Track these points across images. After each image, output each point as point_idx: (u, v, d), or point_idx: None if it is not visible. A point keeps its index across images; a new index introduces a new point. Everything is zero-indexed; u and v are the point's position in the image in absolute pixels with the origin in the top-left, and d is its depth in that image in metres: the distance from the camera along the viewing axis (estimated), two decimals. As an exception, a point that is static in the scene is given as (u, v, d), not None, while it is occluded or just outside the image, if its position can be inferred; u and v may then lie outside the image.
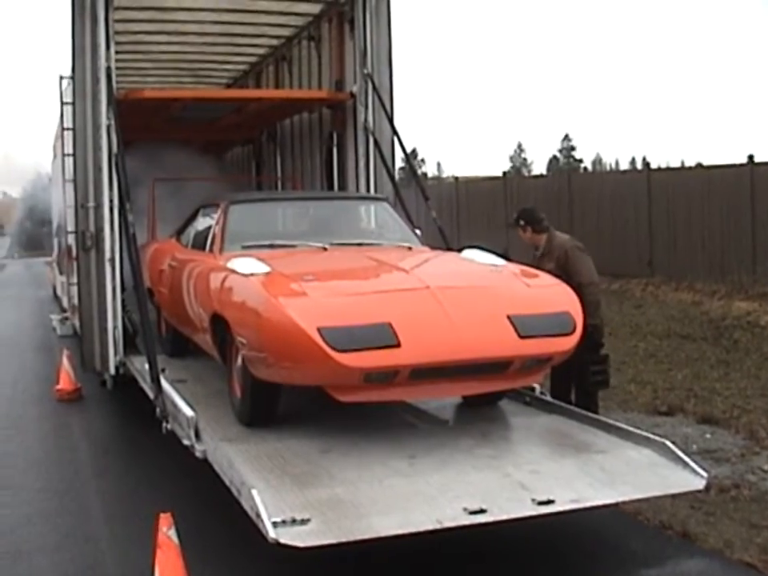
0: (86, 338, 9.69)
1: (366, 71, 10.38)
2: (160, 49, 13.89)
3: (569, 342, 6.17)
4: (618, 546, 6.17)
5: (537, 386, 7.16)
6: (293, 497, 5.09)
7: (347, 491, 5.20)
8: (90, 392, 11.18)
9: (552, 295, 6.54)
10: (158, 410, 6.92)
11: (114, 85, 9.46)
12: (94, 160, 9.46)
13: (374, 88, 10.31)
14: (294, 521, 4.69)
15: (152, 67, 15.10)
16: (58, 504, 7.31)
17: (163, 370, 8.37)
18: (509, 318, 6.00)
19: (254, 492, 4.87)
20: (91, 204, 9.51)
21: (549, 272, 6.99)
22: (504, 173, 25.39)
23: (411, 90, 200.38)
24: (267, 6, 11.71)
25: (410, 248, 8.02)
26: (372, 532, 4.70)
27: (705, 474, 5.56)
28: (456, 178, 30.04)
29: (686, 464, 5.62)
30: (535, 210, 8.20)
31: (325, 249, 7.59)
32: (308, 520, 4.73)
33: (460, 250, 7.88)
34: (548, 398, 7.13)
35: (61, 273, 18.33)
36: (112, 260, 9.43)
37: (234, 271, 6.73)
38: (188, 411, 6.31)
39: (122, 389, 9.74)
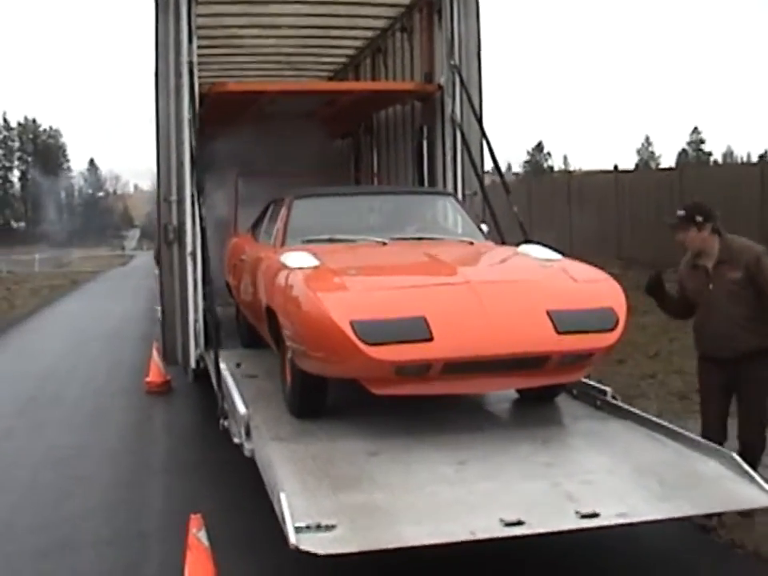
0: (168, 332, 9.77)
1: (453, 63, 10.16)
2: (257, 42, 13.83)
3: (609, 339, 5.98)
4: (679, 561, 5.83)
5: (608, 389, 6.89)
6: (326, 501, 4.97)
7: (385, 497, 5.05)
8: (180, 384, 11.27)
9: (597, 290, 6.34)
10: (218, 406, 6.90)
11: (197, 80, 9.49)
12: (176, 154, 9.50)
13: (461, 80, 10.08)
14: (318, 526, 4.55)
15: (251, 61, 15.09)
16: (122, 497, 7.37)
17: (238, 365, 8.46)
18: (548, 312, 5.87)
19: (282, 495, 4.76)
20: (174, 198, 9.56)
21: (734, 283, 6.26)
22: (615, 166, 24.75)
23: (537, 82, 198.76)
24: (358, -3, 11.60)
25: (471, 243, 7.96)
26: (399, 541, 4.52)
27: None
28: (569, 172, 29.58)
29: (752, 479, 5.26)
30: (708, 205, 6.68)
31: (384, 244, 7.60)
32: (333, 526, 4.58)
33: (518, 245, 7.70)
34: (619, 402, 6.81)
35: (157, 265, 18.68)
36: (193, 253, 9.43)
37: (284, 264, 6.80)
38: (241, 409, 6.23)
39: (209, 382, 9.80)
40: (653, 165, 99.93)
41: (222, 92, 10.36)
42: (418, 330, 5.63)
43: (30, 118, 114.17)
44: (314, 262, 6.66)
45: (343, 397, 6.54)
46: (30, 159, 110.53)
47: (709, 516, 5.87)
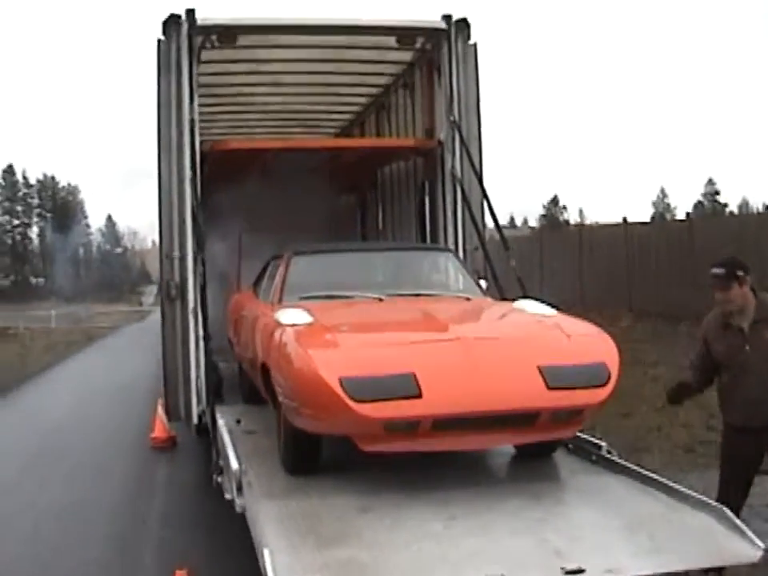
0: (170, 387, 9.79)
1: (452, 118, 10.26)
2: (264, 100, 14.01)
3: (601, 394, 5.95)
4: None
5: (603, 444, 6.86)
6: (311, 558, 4.94)
7: (370, 554, 5.02)
8: (185, 440, 11.29)
9: (589, 345, 6.33)
10: (212, 462, 6.93)
11: (197, 137, 9.61)
12: (178, 211, 9.59)
13: (461, 135, 10.16)
14: None
15: (259, 118, 15.27)
16: (117, 551, 7.38)
17: (238, 421, 8.47)
18: (539, 368, 5.85)
19: (266, 551, 4.76)
20: (176, 254, 9.63)
21: None
22: (624, 219, 24.79)
23: (553, 137, 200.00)
24: (360, 55, 11.71)
25: (468, 299, 8.00)
26: None
27: (762, 546, 5.12)
28: (581, 225, 29.72)
29: (743, 533, 5.20)
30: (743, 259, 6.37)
31: (381, 300, 7.61)
32: None
33: (514, 300, 7.74)
34: (614, 457, 6.77)
35: None
36: (195, 310, 9.48)
37: (278, 321, 6.83)
38: (234, 464, 6.24)
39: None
40: (668, 217, 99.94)
41: (224, 150, 10.48)
42: (407, 387, 5.62)
43: (49, 175, 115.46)
44: (308, 319, 6.68)
45: (338, 452, 6.51)
46: (48, 216, 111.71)
47: (706, 571, 5.83)
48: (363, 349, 6.14)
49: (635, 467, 6.54)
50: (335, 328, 6.44)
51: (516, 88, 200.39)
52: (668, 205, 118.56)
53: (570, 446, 7.12)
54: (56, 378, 22.30)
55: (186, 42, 9.56)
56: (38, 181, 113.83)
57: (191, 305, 9.46)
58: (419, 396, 5.59)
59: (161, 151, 9.67)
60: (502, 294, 8.93)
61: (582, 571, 4.73)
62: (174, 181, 9.62)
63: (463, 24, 10.23)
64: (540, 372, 5.84)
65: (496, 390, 5.75)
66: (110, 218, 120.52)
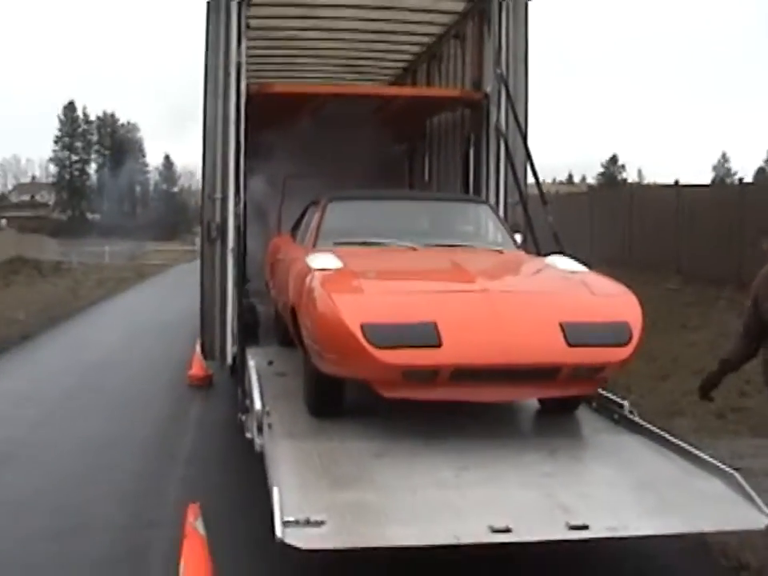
0: (207, 328, 9.92)
1: (499, 71, 10.18)
2: (317, 45, 13.95)
3: (622, 353, 5.98)
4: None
5: (625, 403, 6.86)
6: (320, 498, 5.05)
7: (378, 497, 5.13)
8: (221, 379, 11.44)
9: (613, 304, 6.34)
10: (239, 401, 7.05)
11: (244, 80, 9.63)
12: (222, 153, 9.65)
13: (507, 89, 10.08)
14: (307, 521, 4.64)
15: (313, 63, 15.21)
16: (141, 486, 7.54)
17: (270, 363, 8.58)
18: (561, 324, 5.87)
19: (275, 490, 4.87)
20: (218, 196, 9.71)
21: None
22: (676, 181, 24.49)
23: (613, 94, 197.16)
24: (412, 3, 11.65)
25: (500, 252, 8.01)
26: (384, 540, 4.61)
27: None
28: (632, 186, 29.30)
29: (752, 500, 5.20)
30: None
31: (414, 249, 7.62)
32: (322, 522, 4.66)
33: (547, 255, 7.73)
34: (635, 417, 6.77)
35: None
36: (234, 251, 9.57)
37: (308, 266, 6.90)
38: (257, 405, 6.35)
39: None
40: (728, 182, 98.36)
41: (270, 93, 10.49)
42: (428, 336, 5.68)
43: (109, 112, 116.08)
44: (337, 264, 6.76)
45: (363, 397, 6.58)
46: (106, 153, 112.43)
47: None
48: (388, 296, 6.20)
49: (654, 429, 6.54)
50: (362, 274, 6.49)
51: (587, 42, 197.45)
52: (728, 169, 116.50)
53: (594, 404, 7.14)
54: (105, 312, 22.68)
55: None
56: (98, 117, 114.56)
57: (231, 245, 9.55)
58: (439, 345, 5.65)
59: (207, 92, 9.72)
60: (538, 248, 8.91)
61: (585, 527, 4.77)
62: (218, 122, 9.67)
63: None
64: (561, 328, 5.86)
65: (516, 344, 5.78)
66: (167, 157, 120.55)
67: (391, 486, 5.30)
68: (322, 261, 6.86)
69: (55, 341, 17.10)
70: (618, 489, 5.43)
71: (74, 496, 7.31)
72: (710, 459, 5.79)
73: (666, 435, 6.38)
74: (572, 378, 5.99)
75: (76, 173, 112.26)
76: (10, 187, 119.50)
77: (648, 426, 6.62)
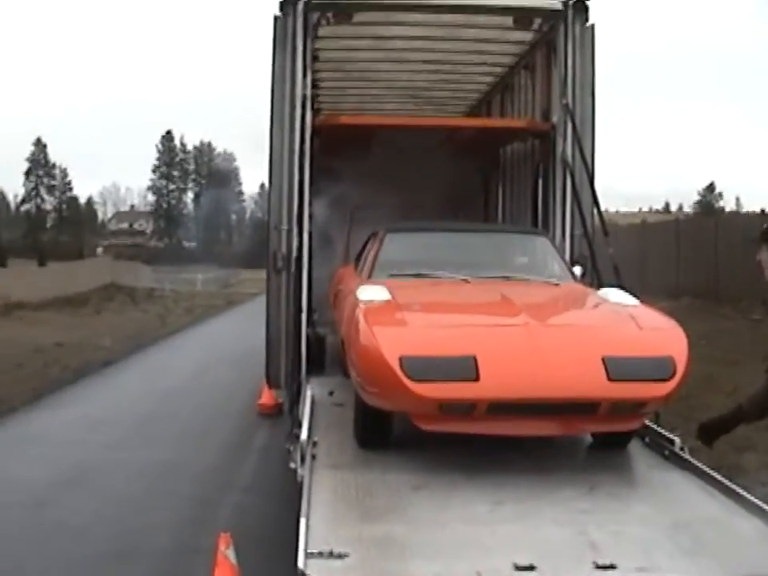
0: (272, 357, 10.02)
1: (564, 101, 10.14)
2: (390, 76, 14.03)
3: (665, 388, 5.87)
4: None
5: (677, 439, 6.72)
6: (348, 530, 5.03)
7: (407, 531, 5.09)
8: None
9: (659, 339, 6.24)
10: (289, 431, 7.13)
11: (309, 112, 9.76)
12: (288, 185, 9.79)
13: (572, 119, 10.03)
14: (331, 554, 4.65)
15: (388, 94, 15.24)
16: (194, 514, 7.64)
17: (331, 393, 8.63)
18: (603, 359, 5.79)
19: (302, 521, 4.89)
20: (284, 227, 9.84)
21: None
22: (762, 210, 23.91)
23: (715, 118, 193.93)
24: (481, 35, 11.66)
25: (556, 284, 7.92)
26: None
27: None
28: (717, 215, 28.78)
29: None
30: None
31: (467, 281, 7.59)
32: (345, 555, 4.66)
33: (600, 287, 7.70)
34: (686, 454, 6.64)
35: None
36: (297, 280, 9.67)
37: (357, 297, 6.95)
38: (303, 435, 6.41)
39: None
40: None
41: (335, 125, 10.62)
42: (465, 370, 5.66)
43: (206, 141, 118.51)
44: (385, 296, 6.79)
45: (410, 429, 6.58)
46: (203, 181, 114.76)
47: None
48: (429, 329, 6.21)
49: (702, 466, 6.39)
50: (407, 307, 6.51)
51: (693, 66, 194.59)
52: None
53: (647, 439, 7.03)
54: (188, 339, 23.20)
55: (301, 19, 9.72)
56: (195, 147, 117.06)
57: (295, 275, 9.66)
58: (476, 379, 5.63)
59: (273, 125, 9.87)
60: (600, 281, 8.83)
61: (613, 567, 4.67)
62: (284, 154, 9.81)
63: (580, 5, 10.06)
64: (603, 362, 5.78)
65: (555, 377, 5.72)
66: (263, 185, 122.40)
67: (422, 520, 5.27)
68: (370, 293, 6.91)
69: (136, 367, 17.50)
70: (654, 528, 5.28)
71: (129, 522, 7.46)
72: (753, 499, 5.64)
73: (713, 473, 6.22)
74: (613, 413, 5.92)
75: (173, 201, 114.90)
76: (109, 215, 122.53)
77: (696, 462, 6.48)
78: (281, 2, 9.74)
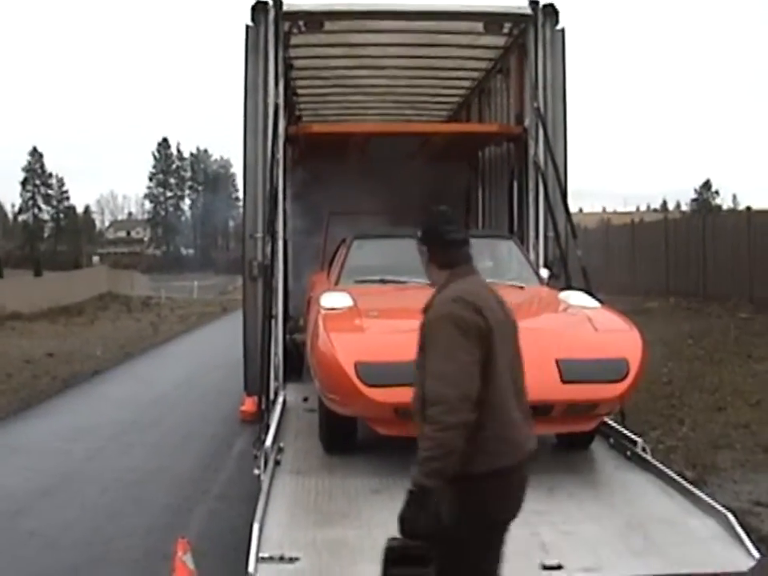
0: (250, 363, 10.12)
1: (535, 105, 10.24)
2: (368, 82, 14.15)
3: (617, 389, 6.00)
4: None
5: (639, 440, 6.80)
6: (302, 535, 5.13)
7: (359, 534, 5.18)
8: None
9: (614, 341, 6.36)
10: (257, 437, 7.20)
11: (282, 121, 9.83)
12: (262, 192, 9.87)
13: (543, 123, 10.12)
14: (281, 558, 4.73)
15: (367, 100, 15.38)
16: (166, 521, 7.69)
17: (305, 399, 8.72)
18: (557, 361, 5.91)
19: (255, 526, 4.98)
20: (259, 235, 9.92)
21: None
22: (747, 207, 24.08)
23: (705, 117, 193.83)
24: (454, 40, 11.79)
25: (521, 287, 8.00)
26: None
27: (757, 556, 4.98)
28: (703, 214, 28.87)
29: (742, 541, 5.10)
30: None
31: (432, 286, 7.61)
32: (296, 559, 4.75)
33: (562, 290, 7.80)
34: (647, 455, 6.70)
35: None
36: (275, 288, 9.74)
37: (320, 304, 7.08)
38: (268, 441, 6.49)
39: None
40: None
41: (307, 133, 10.70)
42: None
43: (202, 148, 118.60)
44: (347, 303, 6.91)
45: (375, 433, 6.64)
46: (200, 188, 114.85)
47: None
48: (385, 335, 6.35)
49: (662, 466, 6.46)
50: (366, 313, 6.62)
51: (694, 65, 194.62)
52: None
53: (612, 440, 7.10)
54: (180, 346, 23.41)
55: (272, 28, 9.81)
56: (191, 154, 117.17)
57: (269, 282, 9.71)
58: None
59: (246, 133, 9.97)
60: (569, 283, 8.90)
61: (559, 567, 4.75)
62: (258, 163, 9.92)
63: (550, 9, 10.21)
64: (557, 365, 5.87)
65: None
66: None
67: (375, 523, 5.31)
68: (332, 300, 7.03)
69: (123, 376, 17.54)
70: (605, 528, 5.37)
71: (101, 529, 7.51)
72: (707, 498, 5.70)
73: (672, 474, 6.30)
74: (567, 414, 6.01)
75: (170, 209, 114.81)
76: (107, 224, 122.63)
77: (657, 463, 6.55)
78: (252, 11, 9.84)
